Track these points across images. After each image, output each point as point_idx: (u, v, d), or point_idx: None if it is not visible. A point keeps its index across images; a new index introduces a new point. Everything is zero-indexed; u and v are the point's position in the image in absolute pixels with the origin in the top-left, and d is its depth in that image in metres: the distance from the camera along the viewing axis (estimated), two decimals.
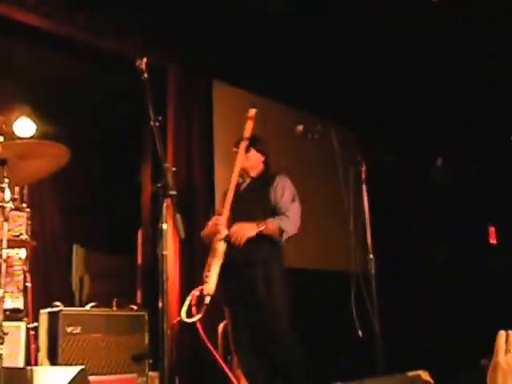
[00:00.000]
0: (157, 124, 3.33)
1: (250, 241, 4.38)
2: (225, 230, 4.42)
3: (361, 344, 5.29)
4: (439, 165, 8.00)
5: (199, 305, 4.24)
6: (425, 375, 3.02)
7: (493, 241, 9.52)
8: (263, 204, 4.64)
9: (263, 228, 4.41)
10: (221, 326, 4.54)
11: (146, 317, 5.15)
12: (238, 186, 4.72)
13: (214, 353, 4.34)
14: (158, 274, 3.88)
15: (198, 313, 4.19)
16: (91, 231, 6.51)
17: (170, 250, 5.49)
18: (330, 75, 7.03)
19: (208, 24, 6.19)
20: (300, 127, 4.50)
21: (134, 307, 5.30)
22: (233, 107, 6.52)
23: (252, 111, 4.68)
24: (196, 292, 4.26)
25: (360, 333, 4.89)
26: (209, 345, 4.26)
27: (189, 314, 4.23)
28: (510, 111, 7.46)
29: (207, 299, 4.21)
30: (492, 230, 9.63)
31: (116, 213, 6.66)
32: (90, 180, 6.80)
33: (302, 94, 6.93)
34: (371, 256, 4.88)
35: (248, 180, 4.79)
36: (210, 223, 4.56)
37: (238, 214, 4.54)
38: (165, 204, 3.18)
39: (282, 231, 4.49)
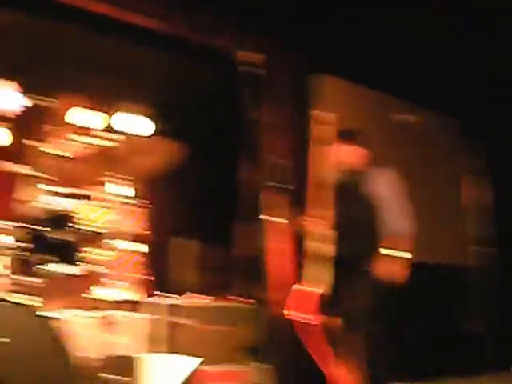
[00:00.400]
0: (257, 117, 3.34)
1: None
2: (327, 230, 4.40)
3: (474, 338, 5.19)
4: None
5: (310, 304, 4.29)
6: None
7: None
8: (366, 199, 4.50)
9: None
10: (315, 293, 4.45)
11: (257, 309, 5.23)
12: (341, 181, 4.63)
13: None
14: (261, 266, 3.92)
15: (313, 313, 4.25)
16: (198, 225, 6.63)
17: (276, 243, 5.51)
18: (440, 68, 6.86)
19: (305, 18, 6.17)
20: (412, 117, 4.41)
21: (245, 300, 5.39)
22: (331, 100, 6.47)
23: (317, 113, 4.59)
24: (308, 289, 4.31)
25: (474, 327, 4.79)
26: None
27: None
28: None
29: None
30: None
31: (220, 206, 6.75)
32: (197, 176, 6.92)
33: (415, 88, 6.79)
34: (489, 250, 4.70)
35: (351, 175, 4.67)
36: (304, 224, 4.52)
37: (342, 209, 4.47)
38: (267, 196, 3.21)
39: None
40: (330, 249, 4.37)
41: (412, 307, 5.60)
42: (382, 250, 4.31)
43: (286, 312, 4.30)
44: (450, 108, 6.90)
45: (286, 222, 3.67)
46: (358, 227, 4.44)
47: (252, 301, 5.30)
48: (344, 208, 4.51)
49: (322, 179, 4.56)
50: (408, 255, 4.30)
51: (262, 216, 3.30)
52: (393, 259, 4.32)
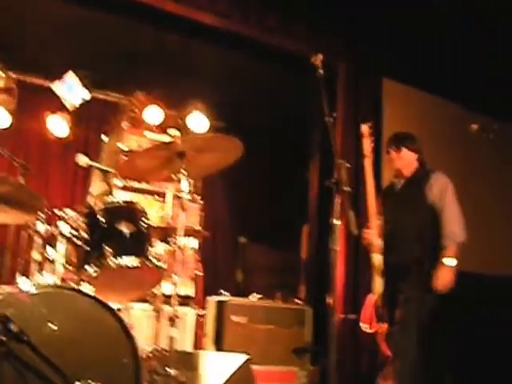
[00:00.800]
0: (331, 120, 3.35)
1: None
2: (377, 239, 4.41)
3: None
4: None
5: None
6: None
7: None
8: (419, 203, 4.49)
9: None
10: (371, 298, 4.47)
11: (311, 311, 5.25)
12: (392, 187, 4.69)
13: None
14: (323, 269, 3.91)
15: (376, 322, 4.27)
16: (258, 225, 6.66)
17: (342, 247, 5.51)
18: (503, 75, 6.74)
19: (376, 22, 6.15)
20: (475, 126, 4.35)
21: (298, 301, 5.41)
22: (403, 105, 6.45)
23: (364, 128, 4.58)
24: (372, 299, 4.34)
25: None
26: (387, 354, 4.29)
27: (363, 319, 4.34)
28: None
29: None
30: None
31: (282, 208, 6.78)
32: (258, 174, 6.97)
33: (474, 93, 6.71)
34: None
35: (402, 181, 4.68)
36: (364, 236, 4.52)
37: (393, 216, 4.49)
38: (337, 200, 3.20)
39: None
40: (380, 257, 4.39)
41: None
42: (443, 259, 4.29)
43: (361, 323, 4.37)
44: None
45: (351, 226, 3.63)
46: (409, 234, 4.43)
47: (311, 303, 5.34)
48: (395, 215, 4.51)
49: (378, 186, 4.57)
50: (454, 263, 4.27)
51: (333, 218, 3.28)
52: (450, 268, 4.31)
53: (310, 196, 6.45)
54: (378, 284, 4.37)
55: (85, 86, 5.41)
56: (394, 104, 6.49)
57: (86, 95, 5.46)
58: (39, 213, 3.39)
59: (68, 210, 3.35)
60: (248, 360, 3.71)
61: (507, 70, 6.49)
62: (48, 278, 3.27)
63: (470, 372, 5.46)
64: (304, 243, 6.49)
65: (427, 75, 6.53)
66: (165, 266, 3.37)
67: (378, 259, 4.38)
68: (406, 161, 4.62)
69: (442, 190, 4.47)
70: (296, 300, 5.46)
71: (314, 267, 6.10)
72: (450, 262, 4.29)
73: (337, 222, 3.21)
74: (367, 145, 4.54)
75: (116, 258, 3.17)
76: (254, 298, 5.37)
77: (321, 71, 3.32)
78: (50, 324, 2.51)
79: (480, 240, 6.62)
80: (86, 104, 5.61)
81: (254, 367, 4.13)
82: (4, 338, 2.26)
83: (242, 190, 6.89)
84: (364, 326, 4.34)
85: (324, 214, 5.58)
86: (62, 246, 3.25)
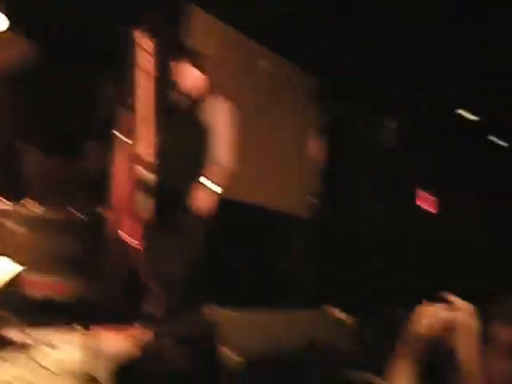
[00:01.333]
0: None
1: None
2: (150, 157, 4.35)
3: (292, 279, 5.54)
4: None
5: None
6: (337, 312, 3.17)
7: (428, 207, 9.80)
8: (195, 125, 4.48)
9: None
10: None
11: (85, 222, 5.19)
12: (171, 105, 4.59)
13: None
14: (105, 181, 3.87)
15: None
16: (44, 134, 6.40)
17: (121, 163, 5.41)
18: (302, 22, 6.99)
19: None
20: (264, 62, 4.42)
21: (73, 211, 5.33)
22: (205, 32, 6.45)
23: (145, 41, 4.33)
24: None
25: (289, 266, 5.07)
26: None
27: None
28: None
29: None
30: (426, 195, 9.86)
31: (73, 119, 6.55)
32: (51, 82, 6.64)
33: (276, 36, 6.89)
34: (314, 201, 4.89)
35: (183, 99, 4.60)
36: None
37: (168, 134, 4.43)
38: (124, 115, 3.17)
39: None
40: (152, 177, 4.35)
41: (235, 243, 5.82)
42: (205, 181, 4.36)
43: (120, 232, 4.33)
44: (310, 66, 7.13)
45: (130, 143, 3.63)
46: (183, 155, 4.42)
47: (89, 215, 5.26)
48: (172, 134, 4.45)
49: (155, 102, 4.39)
50: (220, 189, 4.39)
51: (114, 133, 3.26)
52: (210, 191, 4.39)
53: (100, 110, 6.30)
54: (145, 203, 4.36)
55: None
56: (197, 31, 6.47)
57: None
58: None
59: None
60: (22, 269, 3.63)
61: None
62: None
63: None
64: (90, 156, 6.35)
65: (235, 9, 6.59)
66: None
67: (148, 178, 4.34)
68: (190, 79, 4.54)
69: (218, 114, 4.48)
70: (71, 209, 5.37)
71: (96, 180, 6.02)
72: (212, 185, 4.40)
73: (121, 136, 3.19)
74: (147, 59, 4.35)
75: None
76: (26, 202, 5.21)
77: None
78: None
79: (259, 173, 6.95)
80: None
81: (28, 275, 4.08)
82: None
83: (30, 96, 6.55)
84: (132, 241, 4.34)
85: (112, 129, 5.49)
86: None
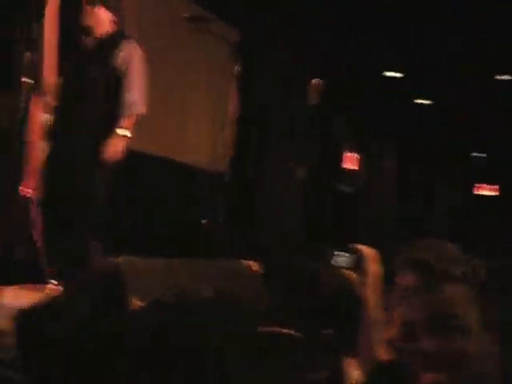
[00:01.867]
0: None
1: None
2: (51, 98, 4.23)
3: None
4: None
5: None
6: (255, 265, 3.17)
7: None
8: (102, 67, 4.36)
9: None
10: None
11: None
12: (78, 45, 4.47)
13: None
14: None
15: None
16: None
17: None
18: None
19: None
20: (188, 14, 4.36)
21: None
22: None
23: None
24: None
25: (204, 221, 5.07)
26: None
27: None
28: None
29: None
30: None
31: None
32: None
33: None
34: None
35: (92, 40, 4.46)
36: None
37: (73, 75, 4.34)
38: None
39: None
40: (49, 117, 4.23)
41: (150, 195, 5.75)
42: (117, 128, 4.24)
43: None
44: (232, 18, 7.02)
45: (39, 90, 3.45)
46: (87, 97, 4.33)
47: None
48: (75, 75, 4.37)
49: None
50: (128, 134, 4.28)
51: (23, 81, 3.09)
52: (123, 138, 4.28)
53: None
54: (42, 147, 4.18)
55: None
56: None
57: None
58: None
59: None
60: None
61: None
62: None
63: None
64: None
65: None
66: None
67: (46, 119, 4.18)
68: (100, 20, 4.39)
69: (128, 58, 4.35)
70: None
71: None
72: (123, 131, 4.26)
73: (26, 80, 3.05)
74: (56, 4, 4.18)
75: None
76: None
77: None
78: None
79: (179, 130, 6.86)
80: None
81: None
82: None
83: None
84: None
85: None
86: None
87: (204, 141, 7.21)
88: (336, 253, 2.16)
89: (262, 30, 7.36)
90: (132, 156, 4.56)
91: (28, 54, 3.88)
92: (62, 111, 4.27)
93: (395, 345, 1.93)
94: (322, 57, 8.47)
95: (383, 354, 2.22)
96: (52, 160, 4.25)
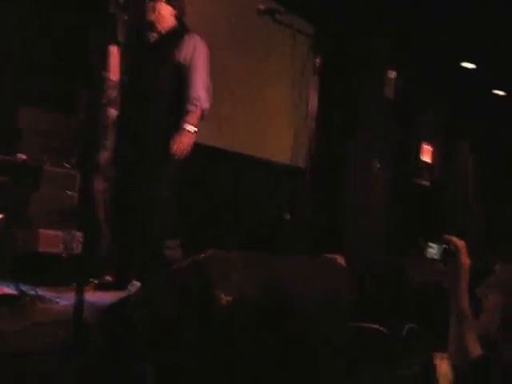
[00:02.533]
0: None
1: None
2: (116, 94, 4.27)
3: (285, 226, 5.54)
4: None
5: None
6: (340, 259, 3.14)
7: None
8: (167, 62, 4.34)
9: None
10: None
11: (79, 176, 5.11)
12: (142, 41, 4.46)
13: None
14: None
15: None
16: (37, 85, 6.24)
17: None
18: None
19: None
20: (262, 6, 4.31)
21: (67, 165, 5.25)
22: None
23: None
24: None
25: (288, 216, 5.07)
26: None
27: None
28: None
29: None
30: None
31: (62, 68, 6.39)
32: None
33: None
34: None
35: (155, 35, 4.45)
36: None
37: (136, 71, 4.35)
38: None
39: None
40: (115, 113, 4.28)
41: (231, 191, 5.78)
42: (184, 124, 4.25)
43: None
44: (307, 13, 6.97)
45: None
46: (152, 94, 4.30)
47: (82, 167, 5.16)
48: (139, 70, 4.35)
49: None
50: (194, 129, 4.27)
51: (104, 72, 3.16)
52: (190, 134, 4.29)
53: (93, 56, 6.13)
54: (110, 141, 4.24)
55: None
56: None
57: None
58: None
59: None
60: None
61: None
62: None
63: None
64: (80, 105, 6.20)
65: None
66: None
67: (113, 115, 4.25)
68: (161, 14, 4.39)
69: (192, 52, 4.34)
70: (65, 164, 5.28)
71: (88, 130, 5.90)
72: (190, 127, 4.27)
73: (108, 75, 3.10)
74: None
75: None
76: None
77: None
78: None
79: (254, 124, 6.85)
80: None
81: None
82: None
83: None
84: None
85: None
86: None
87: (284, 136, 7.19)
88: (429, 244, 2.11)
89: (338, 22, 7.28)
90: (211, 152, 4.57)
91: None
92: (127, 108, 4.31)
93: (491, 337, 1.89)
94: (399, 47, 8.31)
95: (476, 349, 2.15)
96: (119, 158, 4.32)
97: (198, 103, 4.30)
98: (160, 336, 2.03)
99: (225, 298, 2.07)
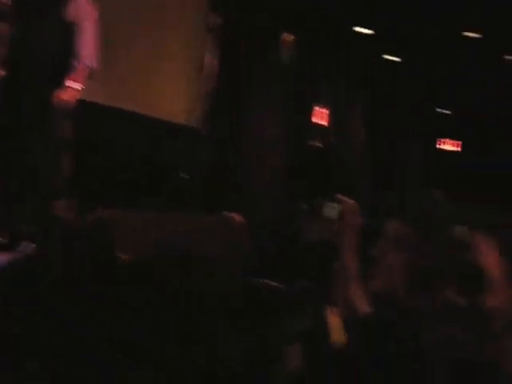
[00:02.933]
0: None
1: None
2: None
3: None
4: None
5: None
6: (239, 218, 3.19)
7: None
8: (55, 20, 4.25)
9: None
10: None
11: None
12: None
13: None
14: None
15: None
16: None
17: None
18: None
19: None
20: None
21: None
22: None
23: None
24: None
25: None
26: None
27: None
28: None
29: None
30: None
31: None
32: None
33: None
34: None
35: None
36: None
37: (23, 27, 4.23)
38: None
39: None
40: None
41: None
42: (68, 80, 4.20)
43: None
44: None
45: None
46: (43, 52, 4.24)
47: None
48: (30, 30, 4.25)
49: None
50: (78, 86, 4.24)
51: None
52: (73, 90, 4.24)
53: None
54: None
55: None
56: None
57: None
58: None
59: None
60: None
61: None
62: None
63: None
64: None
65: None
66: None
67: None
68: None
69: (80, 12, 4.27)
70: None
71: None
72: (73, 84, 4.23)
73: None
74: None
75: None
76: None
77: None
78: None
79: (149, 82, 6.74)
80: None
81: None
82: None
83: None
84: None
85: None
86: None
87: (181, 96, 7.11)
88: (326, 203, 2.17)
89: None
90: (99, 109, 4.48)
91: None
92: (14, 63, 4.20)
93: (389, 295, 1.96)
94: (294, 8, 8.35)
95: (363, 306, 2.25)
96: (4, 114, 4.22)
97: (85, 61, 4.23)
98: (63, 296, 2.02)
99: (123, 257, 2.08)
